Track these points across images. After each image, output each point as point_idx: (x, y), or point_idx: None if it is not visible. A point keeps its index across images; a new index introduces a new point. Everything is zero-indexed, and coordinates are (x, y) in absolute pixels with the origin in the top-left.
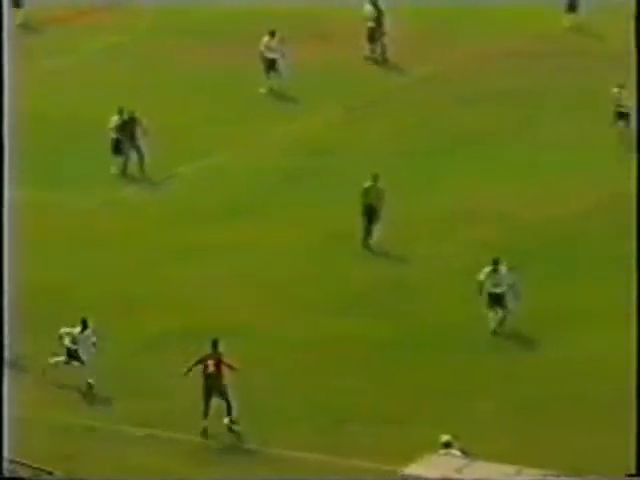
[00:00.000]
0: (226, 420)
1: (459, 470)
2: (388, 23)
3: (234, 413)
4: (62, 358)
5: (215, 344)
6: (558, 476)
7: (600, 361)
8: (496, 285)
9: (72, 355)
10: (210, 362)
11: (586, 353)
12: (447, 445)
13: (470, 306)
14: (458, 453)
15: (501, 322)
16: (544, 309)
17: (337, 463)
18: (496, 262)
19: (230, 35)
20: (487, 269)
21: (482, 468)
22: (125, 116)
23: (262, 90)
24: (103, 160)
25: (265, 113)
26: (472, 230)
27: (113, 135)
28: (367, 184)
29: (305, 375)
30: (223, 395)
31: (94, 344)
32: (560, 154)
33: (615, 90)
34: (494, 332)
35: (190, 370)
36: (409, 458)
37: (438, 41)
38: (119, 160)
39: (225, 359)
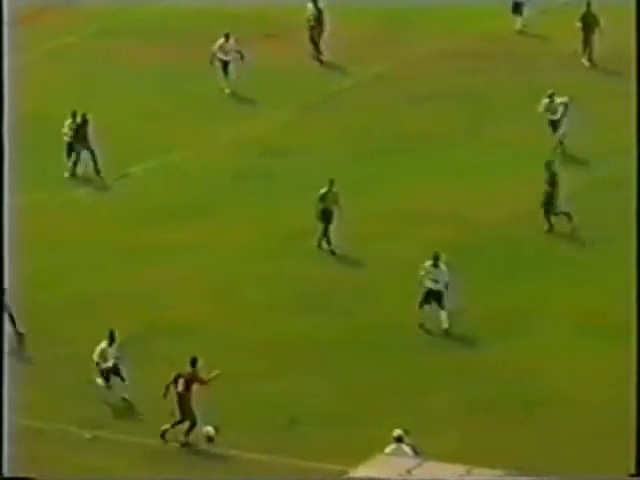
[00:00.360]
0: (181, 437)
1: (409, 471)
2: (340, 23)
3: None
4: (100, 382)
5: (194, 362)
6: (515, 476)
7: (545, 360)
8: (434, 281)
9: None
10: (181, 381)
11: (533, 352)
12: (399, 440)
13: None
14: (408, 448)
15: (438, 319)
16: (492, 308)
17: (289, 464)
18: (437, 258)
19: (182, 35)
20: (427, 264)
21: (432, 468)
22: (78, 119)
23: (225, 90)
24: (55, 161)
25: (218, 113)
26: (424, 230)
27: (67, 138)
28: (323, 189)
29: (258, 376)
30: (185, 415)
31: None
32: (506, 154)
33: (546, 100)
34: (420, 325)
35: (167, 391)
36: (362, 458)
37: (388, 41)
38: (71, 162)
39: (200, 375)
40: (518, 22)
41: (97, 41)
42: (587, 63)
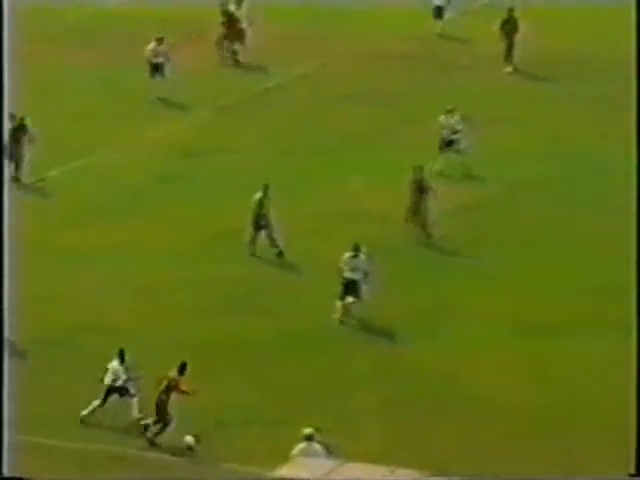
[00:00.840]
0: (149, 434)
1: (329, 472)
2: (264, 24)
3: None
4: (97, 402)
5: (182, 368)
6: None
7: (465, 358)
8: (353, 270)
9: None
10: (164, 382)
11: (454, 350)
12: (309, 438)
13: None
14: (319, 447)
15: (347, 310)
16: (414, 305)
17: (215, 467)
18: (357, 248)
19: (111, 38)
20: (347, 255)
21: (355, 469)
22: (16, 122)
23: (154, 93)
24: None
25: (145, 115)
26: (349, 229)
27: (5, 141)
28: (258, 195)
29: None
30: (161, 417)
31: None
32: (425, 155)
33: (442, 118)
34: (340, 322)
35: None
36: (286, 460)
37: (312, 41)
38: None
39: (182, 385)
40: (439, 26)
41: (26, 43)
42: (508, 67)
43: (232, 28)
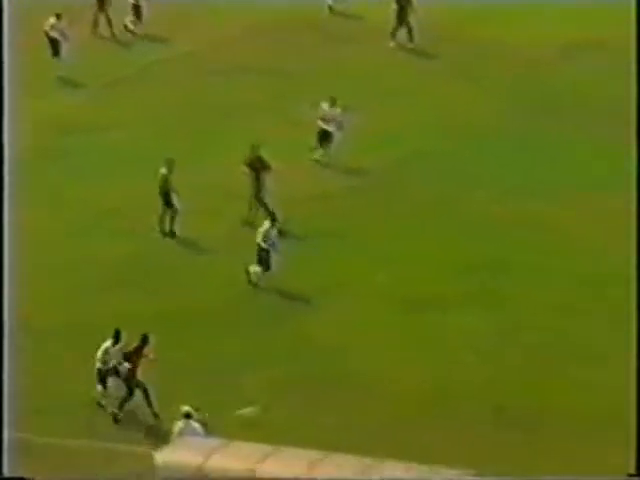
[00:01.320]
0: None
1: (213, 452)
2: None
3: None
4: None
5: (145, 339)
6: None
7: (350, 334)
8: (265, 240)
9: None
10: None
11: (342, 325)
12: (187, 416)
13: (236, 284)
14: (197, 425)
15: (258, 277)
16: (304, 281)
17: (98, 448)
18: (273, 219)
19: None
20: (266, 225)
21: (239, 448)
22: None
23: (54, 69)
24: None
25: (36, 92)
26: (235, 206)
27: None
28: (162, 170)
29: (69, 358)
30: (131, 389)
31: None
32: (307, 133)
33: (324, 106)
34: (254, 285)
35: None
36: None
37: (197, 16)
38: None
39: (146, 351)
40: None
41: None
42: (392, 42)
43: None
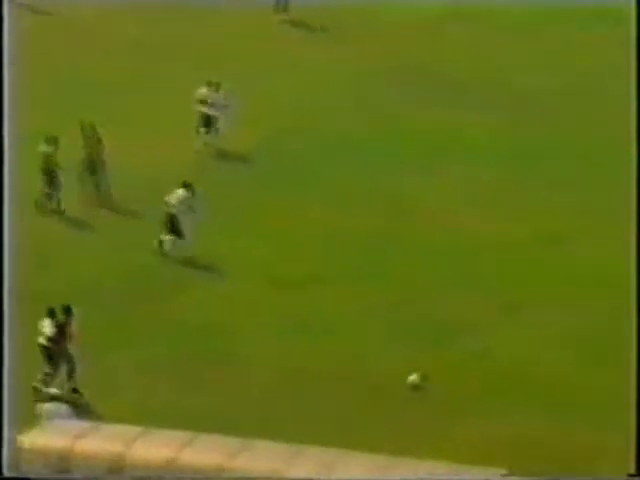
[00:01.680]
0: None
1: (83, 434)
2: None
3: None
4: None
5: (67, 310)
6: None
7: (231, 313)
8: (172, 206)
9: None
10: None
11: (209, 303)
12: (54, 398)
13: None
14: (65, 407)
15: (171, 244)
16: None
17: None
18: (186, 185)
19: None
20: (179, 192)
21: (110, 430)
22: None
23: None
24: None
25: None
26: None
27: None
28: (43, 148)
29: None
30: (59, 363)
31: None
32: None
33: (204, 90)
34: (163, 254)
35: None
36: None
37: None
38: None
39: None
40: None
41: None
42: (281, 15)
43: None
